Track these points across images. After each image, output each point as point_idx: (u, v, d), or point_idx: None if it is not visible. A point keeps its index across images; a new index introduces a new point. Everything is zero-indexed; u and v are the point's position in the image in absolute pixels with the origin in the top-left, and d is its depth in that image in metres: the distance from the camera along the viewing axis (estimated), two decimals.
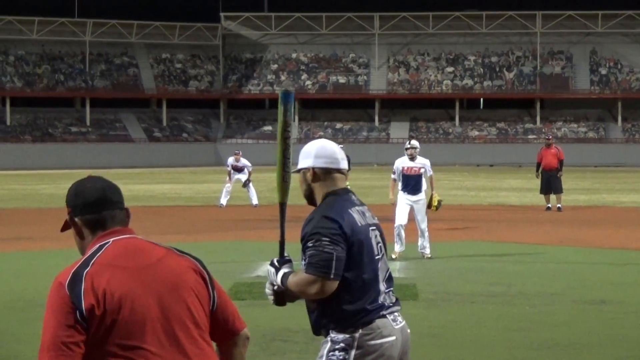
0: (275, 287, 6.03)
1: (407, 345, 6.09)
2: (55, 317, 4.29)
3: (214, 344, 4.60)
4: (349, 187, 6.32)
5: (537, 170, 35.17)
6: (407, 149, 21.90)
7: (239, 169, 37.54)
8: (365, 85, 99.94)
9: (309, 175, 6.20)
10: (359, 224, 5.97)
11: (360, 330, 5.85)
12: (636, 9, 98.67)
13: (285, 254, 6.09)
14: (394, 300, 6.08)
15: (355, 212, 6.01)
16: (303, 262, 5.94)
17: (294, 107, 6.49)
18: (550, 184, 34.35)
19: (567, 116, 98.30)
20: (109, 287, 4.33)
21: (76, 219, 4.59)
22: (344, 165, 6.23)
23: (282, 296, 6.07)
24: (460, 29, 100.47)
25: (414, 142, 22.68)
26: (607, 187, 49.91)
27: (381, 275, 6.03)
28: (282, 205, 6.21)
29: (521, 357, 11.68)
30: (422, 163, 21.65)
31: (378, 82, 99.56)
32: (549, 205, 34.52)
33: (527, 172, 66.41)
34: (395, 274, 17.67)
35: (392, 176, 22.38)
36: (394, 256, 19.88)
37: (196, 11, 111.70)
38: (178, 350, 4.39)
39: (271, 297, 6.13)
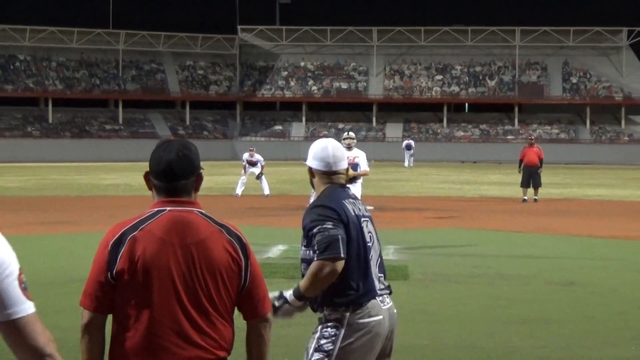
0: (294, 313, 6.01)
1: (394, 324, 6.07)
2: (94, 271, 4.42)
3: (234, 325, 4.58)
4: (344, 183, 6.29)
5: (520, 167, 35.21)
6: (344, 139, 21.75)
7: (253, 163, 37.57)
8: (364, 90, 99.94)
9: (308, 172, 6.24)
10: (352, 213, 5.97)
11: (350, 310, 5.85)
12: (603, 26, 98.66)
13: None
14: (385, 284, 6.08)
15: (349, 204, 6.01)
16: (303, 248, 5.93)
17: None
18: (531, 178, 34.48)
19: (542, 119, 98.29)
20: (144, 255, 4.38)
21: (150, 177, 4.63)
22: (340, 166, 6.18)
23: (289, 308, 5.98)
24: (448, 42, 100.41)
25: (352, 134, 22.72)
26: (576, 182, 49.90)
27: (372, 261, 6.01)
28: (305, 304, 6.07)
29: (499, 330, 11.66)
30: (357, 154, 21.57)
31: (376, 88, 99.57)
32: (526, 197, 34.60)
33: (506, 169, 66.42)
34: (389, 257, 17.76)
35: None
36: None
37: (216, 24, 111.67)
38: (184, 329, 4.39)
39: (280, 314, 6.04)
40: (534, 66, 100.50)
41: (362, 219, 6.05)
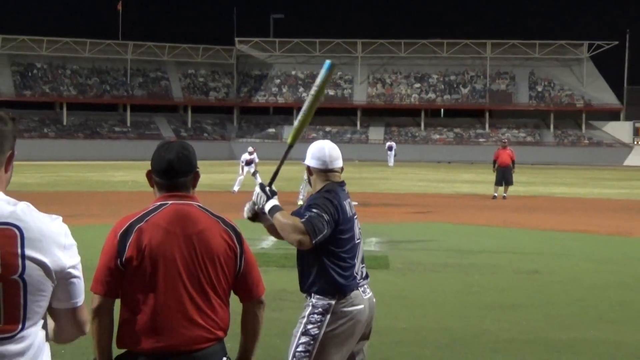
0: (257, 208, 6.04)
1: (373, 312, 6.14)
2: (103, 257, 4.46)
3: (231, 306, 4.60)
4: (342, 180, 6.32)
5: (494, 166, 35.32)
6: None
7: (249, 162, 37.58)
8: (349, 97, 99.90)
9: (306, 170, 6.25)
10: (348, 215, 6.03)
11: (336, 299, 5.88)
12: (566, 40, 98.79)
13: (274, 187, 6.07)
14: (364, 274, 6.12)
15: (347, 204, 6.07)
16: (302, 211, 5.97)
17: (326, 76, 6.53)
18: (504, 177, 34.60)
19: (510, 124, 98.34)
20: (150, 244, 4.41)
21: (152, 175, 4.68)
22: (336, 165, 6.22)
23: (258, 217, 6.09)
24: (425, 53, 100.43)
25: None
26: (541, 181, 49.99)
27: (358, 256, 6.08)
28: (290, 147, 6.19)
29: (471, 314, 11.69)
30: None
31: (360, 94, 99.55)
32: (496, 194, 34.68)
33: (478, 168, 66.53)
34: (371, 248, 17.78)
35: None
36: None
37: (216, 36, 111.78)
38: (187, 309, 4.41)
39: (249, 214, 6.14)
40: (503, 76, 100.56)
41: (355, 218, 6.13)
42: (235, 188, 36.37)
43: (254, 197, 6.04)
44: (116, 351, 4.53)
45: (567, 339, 10.33)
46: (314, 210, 5.84)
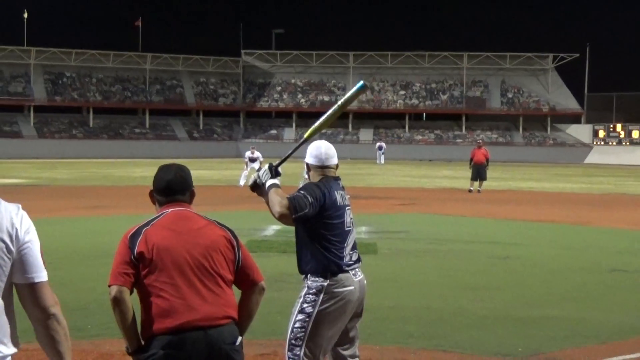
0: (258, 181, 6.04)
1: (364, 292, 6.13)
2: (119, 255, 4.48)
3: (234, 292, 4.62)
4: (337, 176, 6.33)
5: (470, 164, 35.35)
6: None
7: (253, 160, 37.56)
8: None
9: (305, 166, 6.26)
10: (338, 204, 6.04)
11: (328, 280, 5.89)
12: (534, 52, 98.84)
13: (280, 169, 6.08)
14: (355, 259, 6.11)
15: (338, 194, 6.08)
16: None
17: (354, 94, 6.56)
18: (479, 173, 34.65)
19: (484, 127, 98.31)
20: (157, 241, 4.46)
21: (153, 194, 4.76)
22: (331, 162, 6.26)
23: (258, 189, 6.07)
24: (409, 64, 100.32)
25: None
26: (511, 177, 50.02)
27: (349, 242, 6.08)
28: (304, 140, 6.27)
29: (450, 295, 11.69)
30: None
31: None
32: (471, 188, 34.66)
33: (455, 166, 66.58)
34: (362, 236, 17.76)
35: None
36: None
37: (225, 49, 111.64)
38: (198, 289, 4.42)
39: (251, 183, 6.12)
40: (478, 84, 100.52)
41: (346, 208, 6.12)
42: (241, 182, 36.33)
43: (260, 172, 6.06)
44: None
45: (534, 316, 10.33)
46: (301, 191, 5.91)
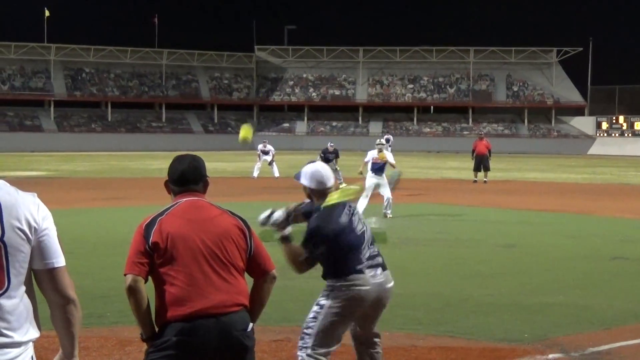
0: (276, 223, 6.07)
1: (384, 295, 6.17)
2: (134, 244, 4.48)
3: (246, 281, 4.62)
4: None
5: (472, 155, 35.35)
6: (377, 144, 21.99)
7: (265, 152, 37.59)
8: (352, 96, 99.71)
9: (306, 190, 6.23)
10: (345, 219, 6.05)
11: (342, 281, 5.98)
12: (538, 46, 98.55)
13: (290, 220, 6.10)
14: (375, 262, 6.14)
15: (344, 215, 6.06)
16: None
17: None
18: (481, 164, 34.67)
19: (490, 119, 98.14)
20: (172, 230, 4.45)
21: (169, 184, 4.75)
22: (329, 184, 6.20)
23: (270, 224, 6.15)
24: (418, 59, 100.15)
25: (382, 140, 22.89)
26: (516, 168, 49.96)
27: (366, 244, 6.13)
28: (317, 208, 6.14)
29: (457, 282, 11.69)
30: (387, 155, 21.70)
31: (361, 94, 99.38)
32: (476, 179, 34.69)
33: (462, 157, 66.40)
34: (372, 225, 17.73)
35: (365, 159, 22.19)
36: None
37: (239, 44, 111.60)
38: (211, 278, 4.42)
39: (265, 221, 6.18)
40: (484, 77, 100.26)
41: (353, 218, 6.11)
42: (255, 174, 36.40)
43: (280, 217, 6.06)
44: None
45: (539, 302, 10.31)
46: (307, 237, 5.94)
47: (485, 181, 34.23)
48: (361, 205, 19.30)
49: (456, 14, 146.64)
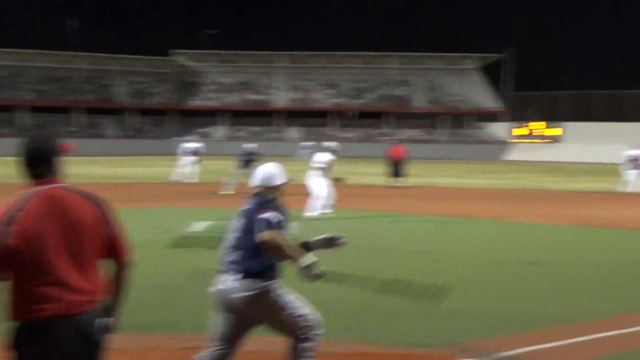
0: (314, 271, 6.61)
1: (229, 300, 6.39)
2: None
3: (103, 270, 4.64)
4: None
5: (387, 161, 35.78)
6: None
7: (194, 153, 37.45)
8: (272, 101, 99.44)
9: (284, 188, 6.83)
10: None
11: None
12: (457, 53, 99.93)
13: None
14: (229, 265, 6.44)
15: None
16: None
17: None
18: (397, 170, 35.01)
19: (409, 124, 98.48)
20: (32, 228, 4.37)
21: (22, 169, 4.61)
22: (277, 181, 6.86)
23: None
24: (339, 64, 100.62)
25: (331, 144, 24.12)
26: (433, 173, 50.47)
27: (227, 245, 6.54)
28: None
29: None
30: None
31: (281, 99, 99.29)
32: (393, 184, 34.95)
33: (380, 163, 66.77)
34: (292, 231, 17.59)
35: None
36: None
37: (156, 49, 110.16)
38: (68, 275, 4.41)
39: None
40: (404, 83, 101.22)
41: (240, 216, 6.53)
42: (174, 177, 36.19)
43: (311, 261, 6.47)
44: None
45: (452, 308, 10.32)
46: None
47: (400, 187, 34.48)
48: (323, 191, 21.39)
49: (377, 20, 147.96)
